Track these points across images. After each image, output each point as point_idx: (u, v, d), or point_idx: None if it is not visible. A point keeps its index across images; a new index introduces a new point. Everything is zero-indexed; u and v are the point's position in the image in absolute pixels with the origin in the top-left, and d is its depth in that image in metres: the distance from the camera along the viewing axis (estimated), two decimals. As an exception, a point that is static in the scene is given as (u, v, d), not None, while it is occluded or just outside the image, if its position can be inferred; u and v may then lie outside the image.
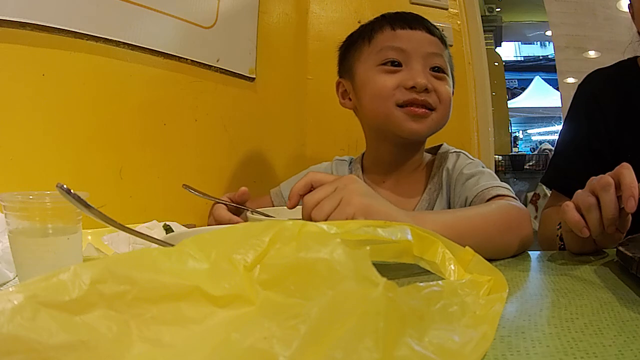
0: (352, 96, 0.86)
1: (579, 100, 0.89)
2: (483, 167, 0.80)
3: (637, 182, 0.50)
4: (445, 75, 0.80)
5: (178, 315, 0.24)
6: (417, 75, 0.77)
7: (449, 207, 0.80)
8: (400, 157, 0.85)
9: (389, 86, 0.78)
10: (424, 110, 0.77)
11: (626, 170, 0.52)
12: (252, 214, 0.71)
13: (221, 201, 0.79)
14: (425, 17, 0.86)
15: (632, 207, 0.49)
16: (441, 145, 0.90)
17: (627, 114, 0.81)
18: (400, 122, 0.78)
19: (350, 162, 0.94)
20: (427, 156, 0.90)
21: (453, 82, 0.85)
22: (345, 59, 0.88)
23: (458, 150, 0.87)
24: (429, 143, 0.90)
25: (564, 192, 0.84)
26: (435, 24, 0.86)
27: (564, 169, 0.87)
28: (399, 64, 0.79)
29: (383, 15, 0.85)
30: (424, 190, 0.84)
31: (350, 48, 0.87)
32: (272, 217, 0.70)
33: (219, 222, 0.76)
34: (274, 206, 0.92)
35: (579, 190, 0.56)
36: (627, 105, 0.82)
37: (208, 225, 0.78)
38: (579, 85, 0.91)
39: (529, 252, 0.65)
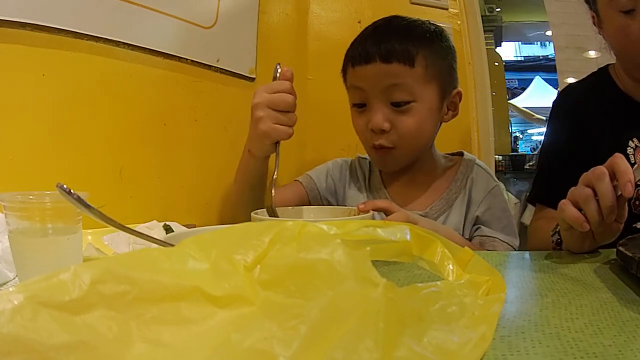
0: None
1: (556, 115, 0.90)
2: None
3: (631, 169, 0.51)
4: (409, 105, 0.79)
5: (178, 315, 0.24)
6: (373, 117, 0.80)
7: (466, 213, 0.84)
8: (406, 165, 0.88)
9: (361, 130, 0.84)
10: (384, 151, 0.82)
11: (619, 159, 0.52)
12: (256, 214, 0.71)
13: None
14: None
15: (630, 192, 0.49)
16: (460, 152, 0.93)
17: (603, 124, 0.82)
18: (375, 161, 0.88)
19: (370, 162, 0.96)
20: (445, 159, 0.92)
21: (444, 83, 0.82)
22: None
23: (483, 164, 0.89)
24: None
25: (550, 205, 0.84)
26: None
27: (548, 183, 0.87)
28: (363, 104, 0.82)
29: (352, 43, 0.84)
30: (443, 191, 0.86)
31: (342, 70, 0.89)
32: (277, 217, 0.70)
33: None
34: (307, 193, 0.94)
35: (573, 188, 0.56)
36: (602, 116, 0.82)
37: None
38: (554, 102, 0.91)
39: (528, 252, 0.65)
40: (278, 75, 0.74)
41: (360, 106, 0.82)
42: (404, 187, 0.89)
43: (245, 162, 0.82)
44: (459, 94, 0.86)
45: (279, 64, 0.75)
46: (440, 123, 0.87)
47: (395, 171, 0.89)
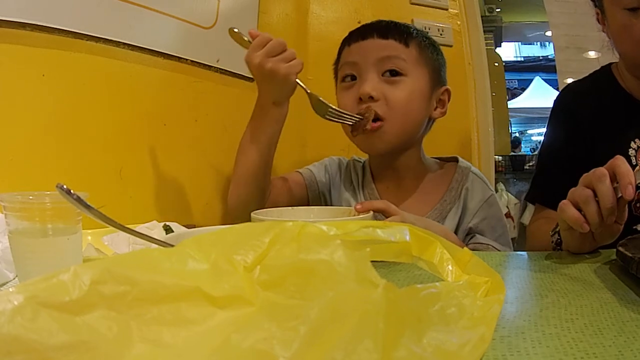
0: None
1: (556, 115, 0.89)
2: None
3: (632, 171, 0.51)
4: (402, 77, 0.80)
5: (178, 315, 0.24)
6: (363, 85, 0.79)
7: (459, 222, 0.83)
8: (391, 164, 0.87)
9: (349, 103, 0.82)
10: (371, 125, 0.79)
11: (620, 161, 0.52)
12: (256, 214, 0.71)
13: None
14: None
15: (631, 194, 0.50)
16: (455, 157, 0.91)
17: (604, 124, 0.81)
18: (358, 140, 0.82)
19: (363, 165, 0.95)
20: (437, 164, 0.91)
21: (434, 74, 0.84)
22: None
23: (478, 172, 0.88)
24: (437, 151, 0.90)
25: (549, 206, 0.84)
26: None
27: (547, 183, 0.86)
28: (354, 77, 0.82)
29: (350, 32, 0.88)
30: (437, 202, 0.85)
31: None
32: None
33: None
34: (307, 185, 0.94)
35: (573, 188, 0.56)
36: (604, 115, 0.82)
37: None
38: (555, 101, 0.91)
39: (528, 253, 0.65)
40: (247, 38, 0.76)
41: (350, 79, 0.83)
42: (394, 191, 0.88)
43: (260, 124, 0.82)
44: (448, 92, 0.87)
45: (234, 28, 0.76)
46: (432, 121, 0.87)
47: (384, 169, 0.88)
